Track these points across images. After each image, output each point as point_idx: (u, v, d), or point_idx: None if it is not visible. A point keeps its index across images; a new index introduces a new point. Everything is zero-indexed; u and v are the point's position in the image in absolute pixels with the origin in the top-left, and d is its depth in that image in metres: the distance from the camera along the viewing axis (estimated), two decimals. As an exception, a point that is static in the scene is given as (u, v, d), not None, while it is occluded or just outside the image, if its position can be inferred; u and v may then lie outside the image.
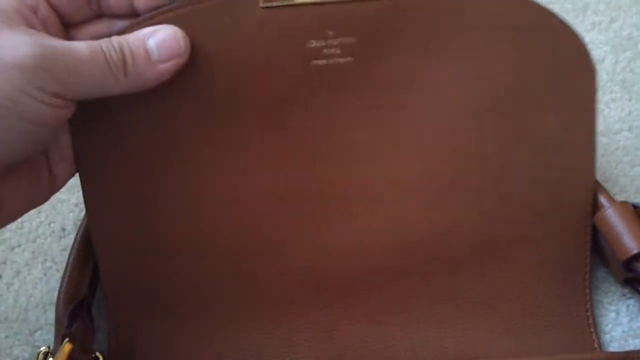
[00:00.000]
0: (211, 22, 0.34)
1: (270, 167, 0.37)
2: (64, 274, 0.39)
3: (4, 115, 0.29)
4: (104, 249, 0.38)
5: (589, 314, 0.38)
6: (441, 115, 0.37)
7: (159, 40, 0.33)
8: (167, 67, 0.33)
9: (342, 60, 0.36)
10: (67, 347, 0.36)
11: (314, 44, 0.35)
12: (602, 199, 0.39)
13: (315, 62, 0.36)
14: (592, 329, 0.38)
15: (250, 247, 0.39)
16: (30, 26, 0.32)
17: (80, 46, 0.31)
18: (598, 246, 0.40)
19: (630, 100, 0.46)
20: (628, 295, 0.40)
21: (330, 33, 0.35)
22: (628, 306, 0.40)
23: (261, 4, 0.34)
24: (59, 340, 0.37)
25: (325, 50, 0.35)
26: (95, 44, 0.32)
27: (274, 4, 0.34)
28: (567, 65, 0.37)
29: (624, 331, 0.39)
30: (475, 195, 0.38)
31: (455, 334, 0.38)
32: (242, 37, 0.35)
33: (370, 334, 0.39)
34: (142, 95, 0.34)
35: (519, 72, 0.37)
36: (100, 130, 0.36)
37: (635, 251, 0.36)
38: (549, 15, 0.36)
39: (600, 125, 0.45)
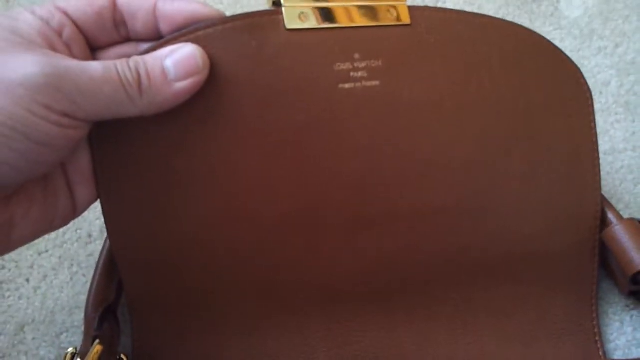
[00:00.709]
0: (235, 44, 0.34)
1: (292, 188, 0.37)
2: (93, 278, 0.41)
3: (7, 134, 0.28)
4: (125, 260, 0.38)
5: (595, 323, 0.40)
6: (463, 139, 0.38)
7: (176, 58, 0.32)
8: (184, 86, 0.32)
9: (369, 83, 0.36)
10: (97, 348, 0.37)
11: (340, 66, 0.35)
12: (611, 216, 0.41)
13: (342, 85, 0.35)
14: (597, 338, 0.40)
15: (272, 262, 0.39)
16: (53, 48, 0.31)
17: (94, 66, 0.30)
18: (604, 260, 0.42)
19: (634, 122, 0.48)
20: (632, 306, 0.42)
21: (357, 56, 0.35)
22: (632, 316, 0.42)
23: (286, 27, 0.34)
24: (88, 342, 0.38)
25: (352, 74, 0.36)
26: (110, 63, 0.31)
27: (299, 26, 0.34)
28: (564, 88, 0.39)
29: (627, 340, 0.41)
30: (493, 218, 0.39)
31: (467, 340, 0.39)
32: (266, 59, 0.34)
33: (385, 340, 0.40)
34: (164, 116, 0.33)
35: (525, 96, 0.38)
36: (120, 151, 0.35)
37: (642, 266, 0.38)
38: (545, 42, 0.38)
39: (606, 144, 0.47)
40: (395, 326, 0.40)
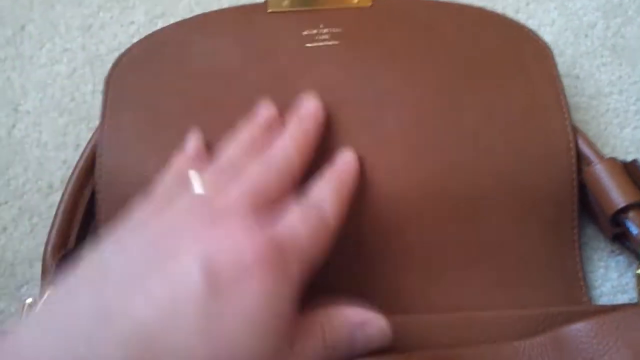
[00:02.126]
0: (230, 22, 0.45)
1: None
2: (52, 224, 0.39)
3: None
4: (109, 197, 0.41)
5: (578, 268, 0.38)
6: (419, 81, 0.42)
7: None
8: None
9: (330, 43, 0.43)
10: (54, 295, 0.36)
11: (307, 32, 0.44)
12: (592, 156, 0.39)
13: (308, 44, 0.43)
14: (581, 283, 0.38)
15: None
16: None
17: None
18: (588, 203, 0.40)
19: (620, 65, 0.46)
20: (617, 252, 0.40)
21: (321, 25, 0.44)
22: (617, 262, 0.40)
23: (269, 10, 0.45)
24: (45, 290, 0.36)
25: (317, 37, 0.44)
26: None
27: (278, 9, 0.45)
28: (520, 48, 0.43)
29: (613, 286, 0.39)
30: (455, 150, 0.40)
31: (444, 286, 0.38)
32: (254, 30, 0.44)
33: (358, 290, 0.39)
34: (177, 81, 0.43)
35: (476, 54, 0.43)
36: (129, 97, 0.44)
37: (622, 205, 0.37)
38: (501, 17, 0.44)
39: (591, 88, 0.46)
40: (371, 276, 0.39)
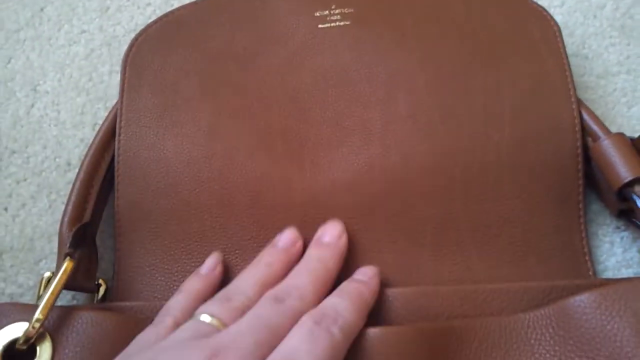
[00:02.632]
0: (245, 3, 0.46)
1: (281, 104, 0.43)
2: (69, 198, 0.40)
3: None
4: (126, 167, 0.42)
5: (584, 242, 0.39)
6: (430, 62, 0.43)
7: None
8: None
9: (342, 23, 0.45)
10: (69, 265, 0.37)
11: (320, 13, 0.45)
12: (599, 132, 0.40)
13: (320, 25, 0.45)
14: (587, 258, 0.38)
15: (259, 174, 0.41)
16: None
17: None
18: (594, 179, 0.41)
19: (629, 45, 0.47)
20: (622, 228, 0.41)
21: (333, 6, 0.45)
22: (622, 238, 0.41)
23: None
24: (61, 260, 0.37)
25: (329, 17, 0.45)
26: None
27: None
28: (528, 25, 0.43)
29: (617, 261, 0.40)
30: (463, 127, 0.41)
31: (453, 259, 0.39)
32: (266, 11, 0.46)
33: (370, 263, 0.39)
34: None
35: (486, 32, 0.43)
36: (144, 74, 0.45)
37: (628, 178, 0.37)
38: None
39: (599, 68, 0.46)
40: (383, 251, 0.40)
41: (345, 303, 0.33)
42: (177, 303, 0.36)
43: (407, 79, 0.42)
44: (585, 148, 0.40)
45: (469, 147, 0.40)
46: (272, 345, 0.30)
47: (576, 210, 0.39)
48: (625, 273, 0.40)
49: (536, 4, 0.44)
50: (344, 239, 0.38)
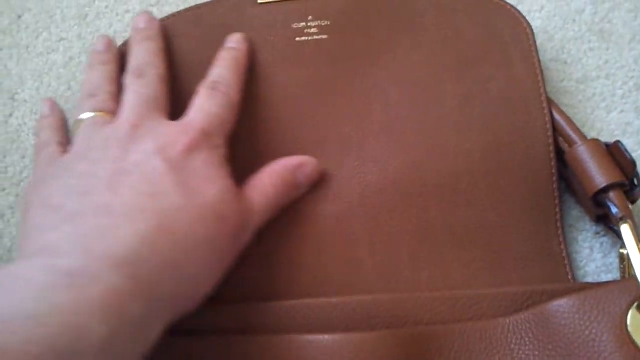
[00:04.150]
0: (222, 14, 0.46)
1: (265, 115, 0.44)
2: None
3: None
4: None
5: (562, 247, 0.39)
6: (403, 75, 0.44)
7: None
8: None
9: (319, 37, 0.45)
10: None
11: (297, 25, 0.45)
12: (575, 138, 0.40)
13: (298, 39, 0.45)
14: (566, 263, 0.39)
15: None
16: None
17: None
18: (572, 185, 0.41)
19: (608, 49, 0.47)
20: (602, 234, 0.41)
21: (310, 18, 0.45)
22: (602, 244, 0.41)
23: (259, 2, 0.46)
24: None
25: (306, 30, 0.45)
26: None
27: (267, 1, 0.46)
28: (499, 28, 0.44)
29: (597, 267, 0.40)
30: (436, 138, 0.41)
31: (431, 265, 0.39)
32: (244, 22, 0.46)
33: (347, 268, 0.40)
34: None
35: (457, 37, 0.44)
36: None
37: (603, 185, 0.37)
38: None
39: (579, 73, 0.46)
40: (360, 259, 0.40)
41: (225, 70, 0.42)
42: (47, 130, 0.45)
43: (381, 92, 0.43)
44: (562, 153, 0.40)
45: (440, 157, 0.41)
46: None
47: (552, 215, 0.39)
48: (605, 278, 0.40)
49: (509, 4, 0.44)
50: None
